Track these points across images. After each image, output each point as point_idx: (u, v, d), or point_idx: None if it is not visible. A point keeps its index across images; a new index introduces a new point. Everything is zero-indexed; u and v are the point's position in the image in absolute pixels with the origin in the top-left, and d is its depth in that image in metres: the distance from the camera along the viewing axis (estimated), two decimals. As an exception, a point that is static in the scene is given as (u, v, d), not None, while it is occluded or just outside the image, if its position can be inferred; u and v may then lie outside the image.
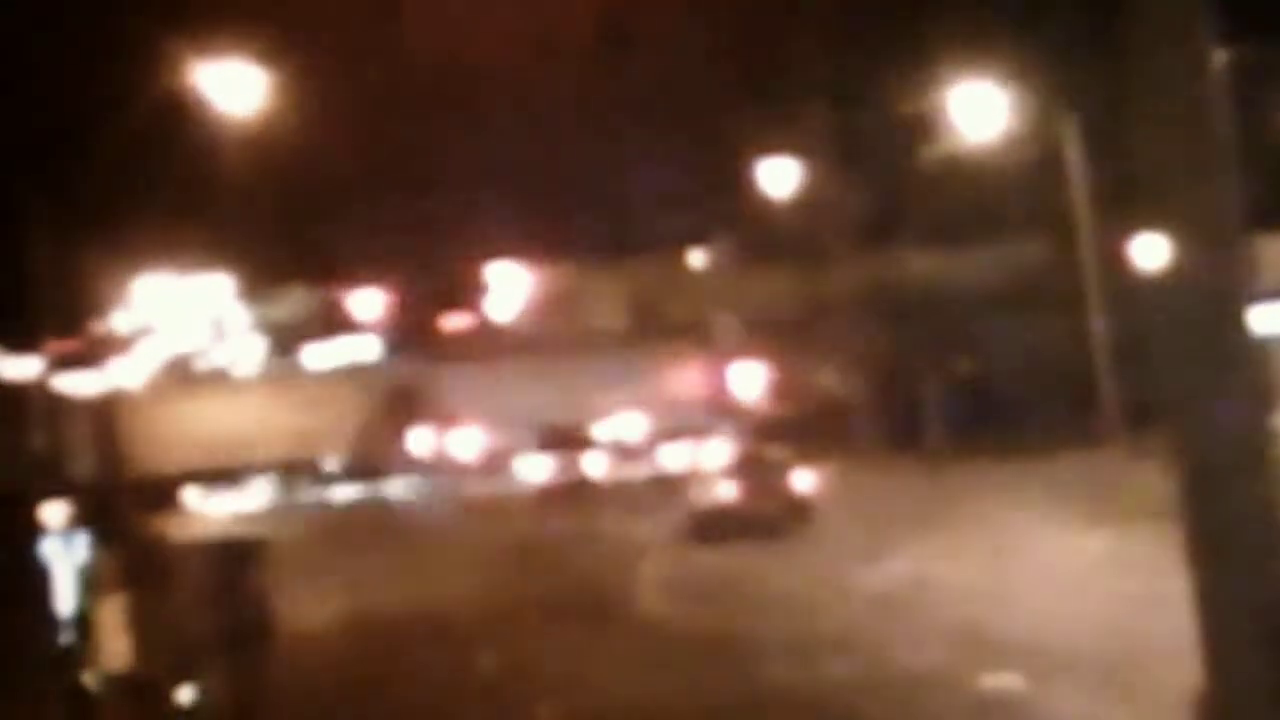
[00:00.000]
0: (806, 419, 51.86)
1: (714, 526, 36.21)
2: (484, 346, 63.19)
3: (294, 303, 68.42)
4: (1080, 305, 47.45)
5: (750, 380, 57.92)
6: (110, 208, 43.82)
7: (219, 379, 67.27)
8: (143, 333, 66.48)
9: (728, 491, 37.93)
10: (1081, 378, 46.83)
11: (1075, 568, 25.82)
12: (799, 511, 36.66)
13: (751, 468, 38.68)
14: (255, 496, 58.53)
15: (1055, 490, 34.96)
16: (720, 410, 55.91)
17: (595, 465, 53.92)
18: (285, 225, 55.24)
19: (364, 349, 66.60)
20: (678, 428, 53.49)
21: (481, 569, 33.41)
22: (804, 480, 38.03)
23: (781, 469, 38.33)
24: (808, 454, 40.04)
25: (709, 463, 43.50)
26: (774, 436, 46.35)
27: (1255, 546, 9.70)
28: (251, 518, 51.45)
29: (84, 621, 19.91)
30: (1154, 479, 18.13)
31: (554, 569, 32.95)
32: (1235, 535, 9.70)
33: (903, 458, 48.49)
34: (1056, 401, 47.36)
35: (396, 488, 57.16)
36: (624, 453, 54.18)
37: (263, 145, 34.58)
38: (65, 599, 20.69)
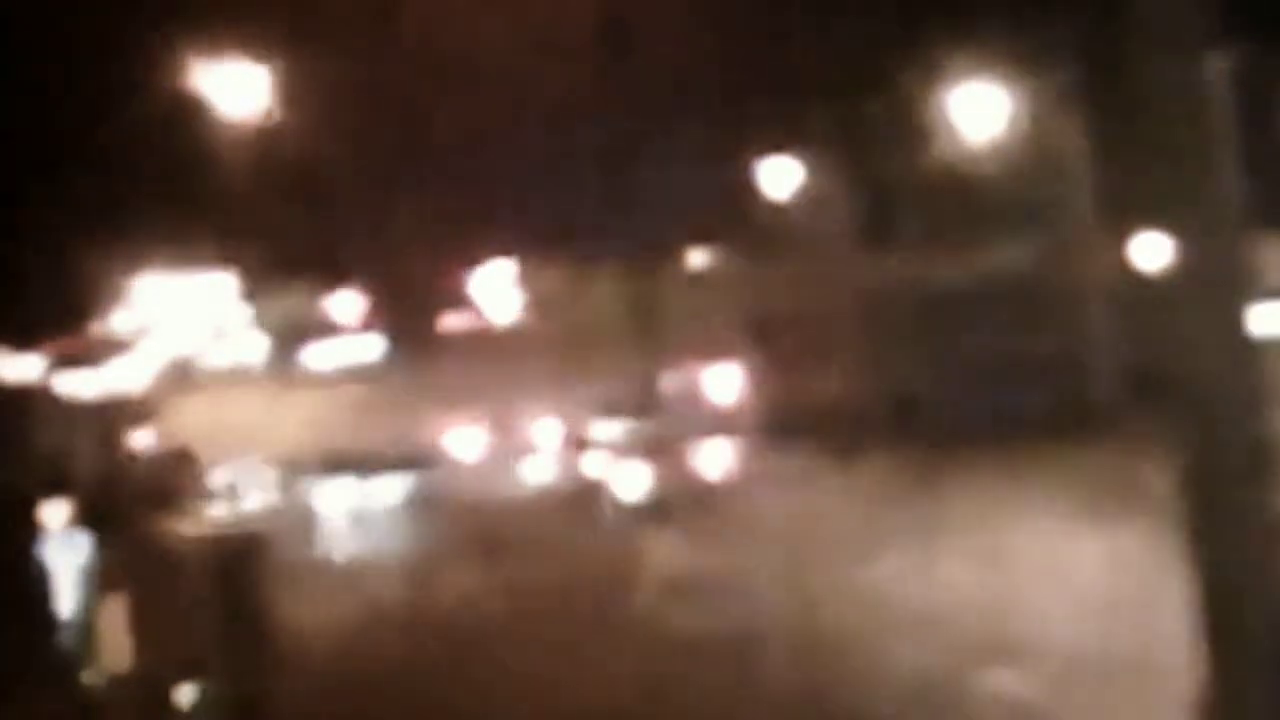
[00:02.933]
0: (806, 419, 51.82)
1: (627, 511, 36.58)
2: (483, 346, 63.16)
3: (294, 302, 68.36)
4: (1080, 305, 47.46)
5: (750, 380, 57.84)
6: (110, 208, 43.79)
7: (220, 378, 67.20)
8: (143, 333, 66.42)
9: (640, 476, 38.37)
10: (1081, 377, 46.83)
11: (1074, 567, 25.79)
12: (702, 497, 36.99)
13: (661, 453, 39.08)
14: (259, 496, 58.43)
15: (1055, 490, 34.93)
16: (719, 410, 55.85)
17: (595, 465, 53.85)
18: (286, 224, 55.21)
19: (365, 348, 66.55)
20: (676, 427, 53.43)
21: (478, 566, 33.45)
22: (713, 466, 38.45)
23: (690, 454, 38.81)
24: (807, 454, 40.06)
25: (627, 448, 43.76)
26: (774, 436, 46.35)
27: (1255, 546, 9.70)
28: (256, 517, 51.39)
29: (85, 622, 19.89)
30: (1153, 478, 18.13)
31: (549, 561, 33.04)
32: (1235, 535, 9.70)
33: (902, 458, 48.43)
34: (1056, 401, 47.33)
35: (388, 487, 57.00)
36: (624, 453, 54.09)
37: (263, 144, 34.62)
38: (66, 599, 20.65)
